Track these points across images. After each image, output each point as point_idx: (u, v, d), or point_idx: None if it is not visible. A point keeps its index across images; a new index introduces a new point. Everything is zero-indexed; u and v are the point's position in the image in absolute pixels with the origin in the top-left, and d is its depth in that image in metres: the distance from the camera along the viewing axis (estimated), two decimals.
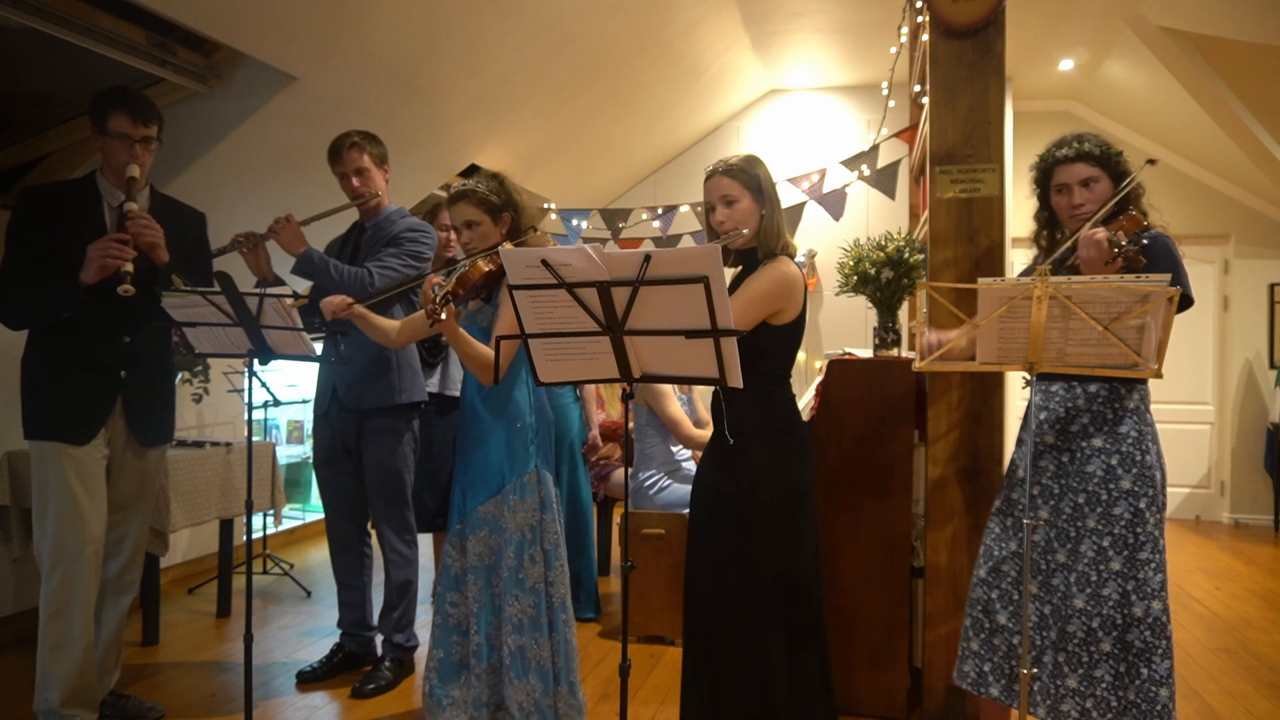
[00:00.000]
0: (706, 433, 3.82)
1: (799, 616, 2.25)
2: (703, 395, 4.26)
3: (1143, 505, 2.15)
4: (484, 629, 2.62)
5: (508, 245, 2.49)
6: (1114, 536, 2.16)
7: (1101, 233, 2.07)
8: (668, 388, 3.75)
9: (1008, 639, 2.29)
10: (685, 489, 3.79)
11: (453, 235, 3.77)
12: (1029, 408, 2.27)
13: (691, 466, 4.02)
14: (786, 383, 2.33)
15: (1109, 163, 2.25)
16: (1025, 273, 2.43)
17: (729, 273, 2.47)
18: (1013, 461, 2.39)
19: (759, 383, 2.26)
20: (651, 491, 3.84)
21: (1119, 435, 2.19)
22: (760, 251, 2.28)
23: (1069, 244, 2.20)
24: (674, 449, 3.99)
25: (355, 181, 3.16)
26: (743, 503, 2.25)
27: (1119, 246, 2.04)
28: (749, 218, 2.26)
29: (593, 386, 4.46)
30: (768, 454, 2.26)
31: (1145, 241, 2.11)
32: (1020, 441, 2.35)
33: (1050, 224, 2.40)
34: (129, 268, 2.50)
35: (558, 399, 4.03)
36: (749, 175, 2.26)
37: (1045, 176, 2.35)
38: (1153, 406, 2.28)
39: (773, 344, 2.26)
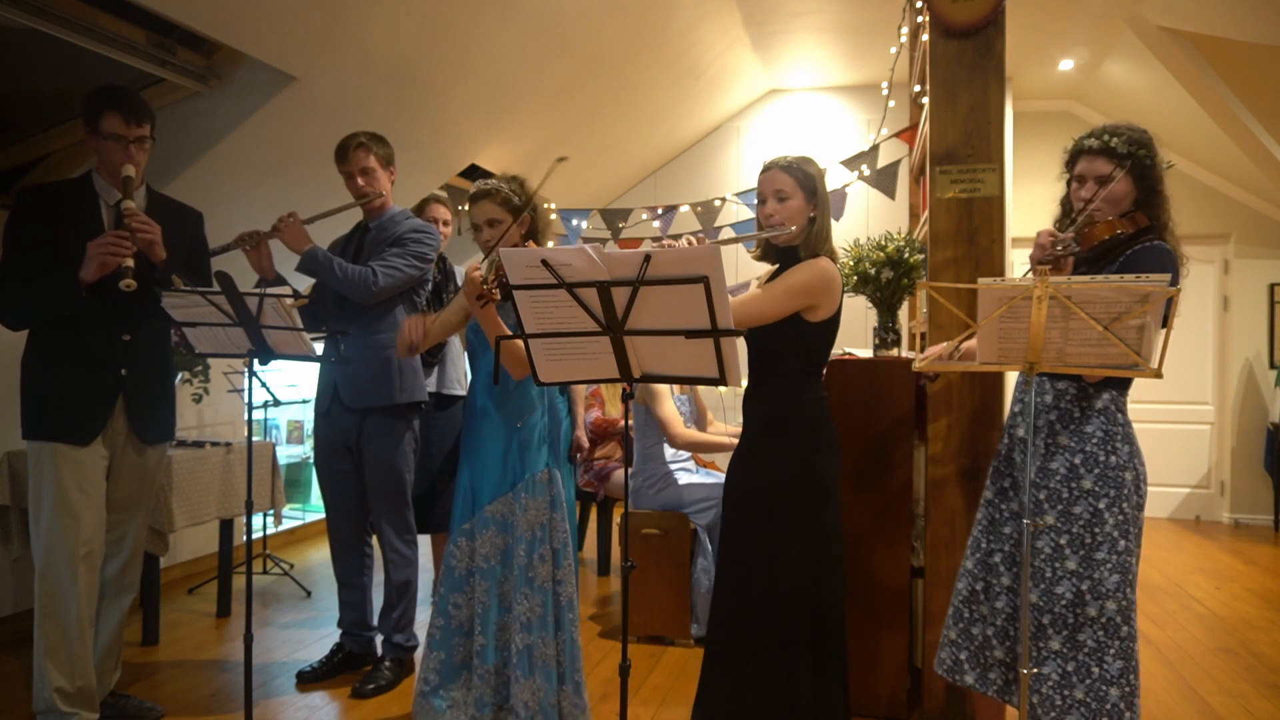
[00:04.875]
0: (697, 434, 3.82)
1: (823, 634, 2.26)
2: (705, 393, 4.25)
3: (1102, 506, 2.13)
4: (490, 630, 2.62)
5: (531, 245, 2.55)
6: (1071, 535, 2.15)
7: (1047, 234, 2.10)
8: (664, 388, 3.74)
9: (984, 629, 2.29)
10: (686, 489, 3.79)
11: (443, 229, 3.79)
12: (1013, 404, 2.29)
13: (692, 466, 4.02)
14: (817, 381, 2.34)
15: (1134, 162, 2.20)
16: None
17: (740, 275, 2.49)
18: (997, 453, 2.38)
19: (787, 379, 2.28)
20: (651, 491, 3.84)
21: (1084, 434, 2.18)
22: (803, 251, 2.32)
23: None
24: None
25: (360, 181, 3.18)
26: (766, 504, 2.26)
27: (1060, 247, 2.06)
28: (798, 215, 2.30)
29: (580, 386, 4.46)
30: (791, 452, 2.28)
31: (1075, 249, 2.12)
32: (1001, 435, 2.36)
33: (1071, 212, 2.37)
34: (129, 263, 2.50)
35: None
36: (804, 174, 2.32)
37: (1072, 162, 2.31)
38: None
39: (804, 340, 2.28)
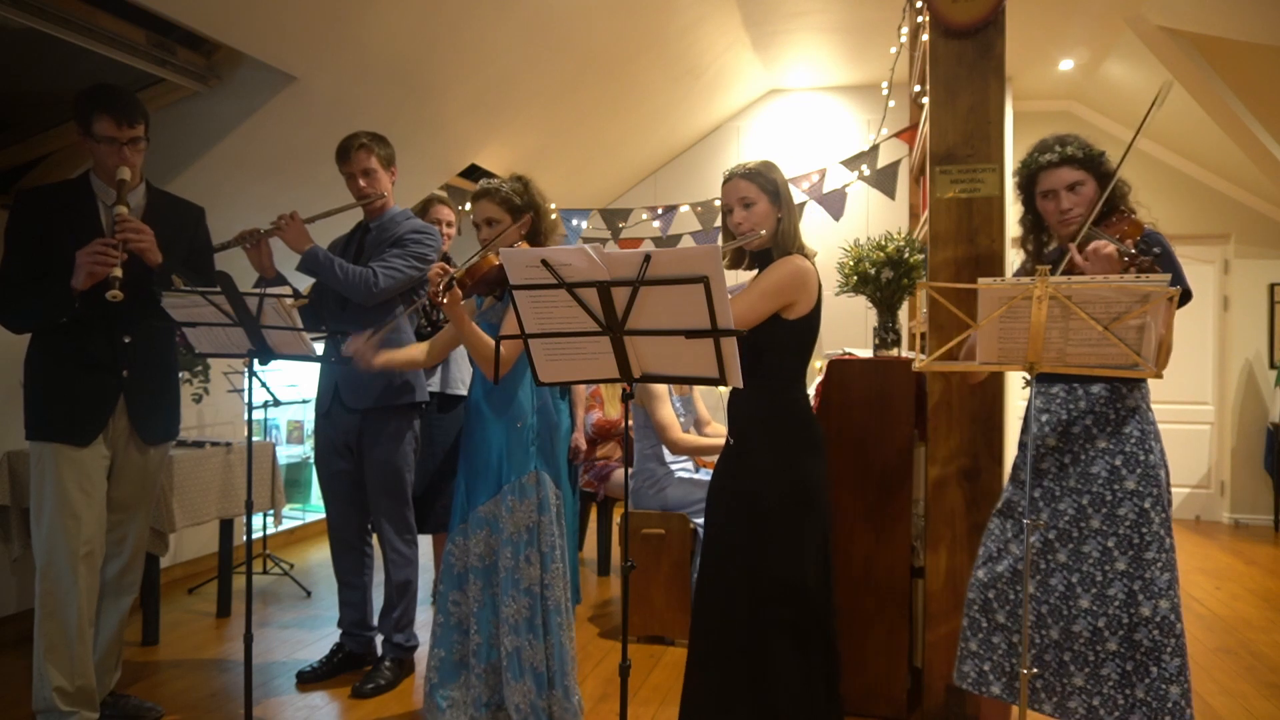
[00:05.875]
0: (694, 438, 3.81)
1: (802, 620, 2.25)
2: (703, 395, 4.25)
3: (1147, 505, 2.15)
4: (484, 629, 2.62)
5: (523, 245, 2.55)
6: (1119, 537, 2.16)
7: (1110, 247, 2.07)
8: (662, 390, 3.74)
9: (1007, 638, 2.29)
10: (685, 489, 3.79)
11: (446, 229, 3.79)
12: (1028, 410, 2.27)
13: (691, 466, 4.02)
14: (800, 381, 2.34)
15: (1094, 164, 2.24)
16: (1018, 273, 2.44)
17: (740, 276, 2.49)
18: (1015, 463, 2.39)
19: (769, 380, 2.27)
20: (651, 491, 3.84)
21: (1122, 435, 2.19)
22: (775, 254, 2.32)
23: (1067, 254, 2.18)
24: None
25: (362, 182, 3.18)
26: (750, 502, 2.26)
27: (1128, 255, 2.04)
28: (765, 220, 2.31)
29: (581, 388, 4.46)
30: (776, 452, 2.27)
31: (1158, 250, 2.11)
32: (1022, 444, 2.35)
33: (1036, 228, 2.40)
34: (117, 273, 2.48)
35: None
36: (766, 179, 2.33)
37: (1030, 182, 2.34)
38: (1153, 406, 2.28)
39: (783, 339, 2.28)
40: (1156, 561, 2.14)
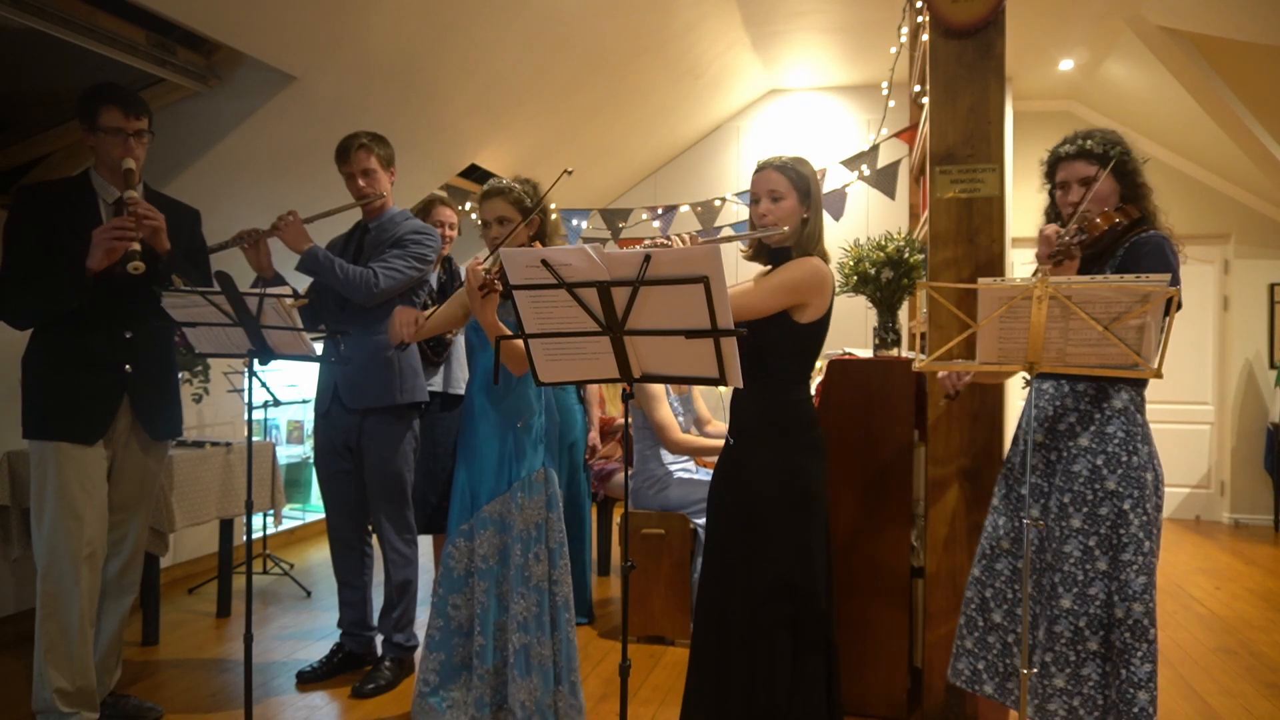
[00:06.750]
0: (693, 438, 3.81)
1: (803, 618, 2.25)
2: (704, 395, 4.24)
3: (1126, 506, 2.14)
4: (488, 630, 2.63)
5: (537, 245, 2.59)
6: (1099, 537, 2.15)
7: (1051, 228, 2.10)
8: (659, 391, 3.73)
9: (1002, 637, 2.29)
10: (685, 489, 3.79)
11: (448, 231, 3.79)
12: (1026, 407, 2.27)
13: (691, 466, 4.02)
14: (804, 383, 2.34)
15: (1109, 160, 2.25)
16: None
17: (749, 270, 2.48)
18: (1006, 459, 2.39)
19: (771, 381, 2.27)
20: (651, 491, 3.84)
21: (1105, 435, 2.18)
22: (795, 252, 2.31)
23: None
24: None
25: (361, 182, 3.18)
26: (749, 503, 2.26)
27: (1061, 241, 2.07)
28: (790, 216, 2.29)
29: (596, 388, 4.46)
30: (775, 454, 2.27)
31: (1083, 237, 2.12)
32: (1015, 440, 2.35)
33: (1060, 219, 2.41)
34: (136, 247, 2.48)
35: (561, 399, 4.02)
36: (798, 175, 2.31)
37: (1052, 171, 2.36)
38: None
39: (790, 342, 2.27)
40: (1132, 564, 2.13)
